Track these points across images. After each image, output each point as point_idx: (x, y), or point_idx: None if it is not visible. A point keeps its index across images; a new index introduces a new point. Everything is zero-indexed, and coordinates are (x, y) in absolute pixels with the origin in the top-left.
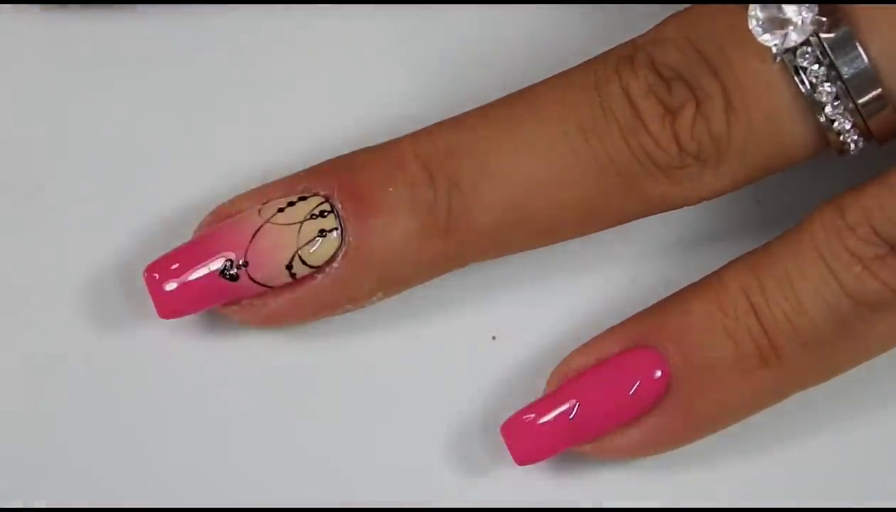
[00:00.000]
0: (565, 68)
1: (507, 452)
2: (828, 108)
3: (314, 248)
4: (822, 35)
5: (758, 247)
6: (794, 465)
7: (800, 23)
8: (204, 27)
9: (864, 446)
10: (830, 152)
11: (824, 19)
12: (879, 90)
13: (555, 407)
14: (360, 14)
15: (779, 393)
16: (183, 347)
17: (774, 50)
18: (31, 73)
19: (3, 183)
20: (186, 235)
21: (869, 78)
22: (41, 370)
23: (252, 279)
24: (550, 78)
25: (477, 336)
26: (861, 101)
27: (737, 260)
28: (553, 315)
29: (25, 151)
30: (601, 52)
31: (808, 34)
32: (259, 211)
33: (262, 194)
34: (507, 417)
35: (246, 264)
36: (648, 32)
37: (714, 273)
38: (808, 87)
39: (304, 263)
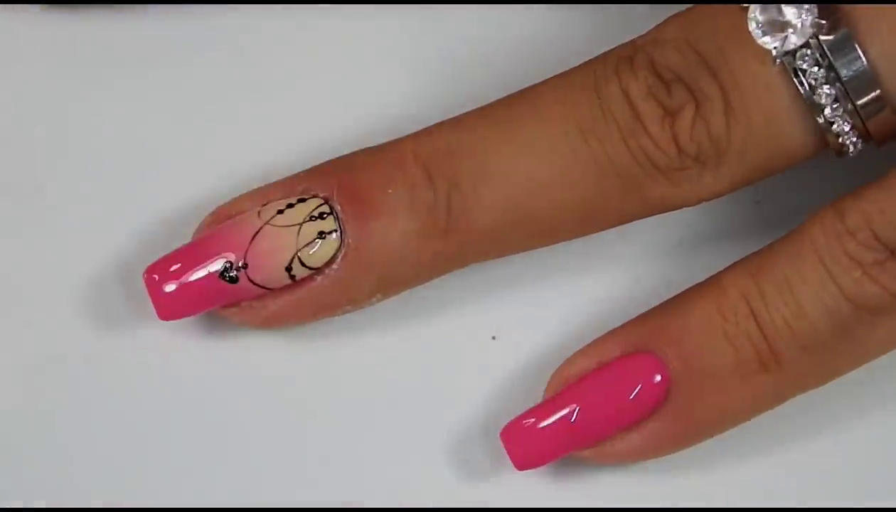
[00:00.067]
0: (566, 68)
1: (507, 458)
2: (827, 110)
3: (313, 250)
4: (822, 37)
5: (759, 250)
6: (793, 466)
7: (799, 25)
8: (204, 27)
9: (864, 447)
10: (830, 153)
11: (824, 22)
12: (878, 92)
13: (555, 412)
14: (361, 14)
15: (778, 397)
16: (182, 347)
17: (774, 53)
18: (31, 73)
19: (3, 183)
20: (186, 235)
21: (868, 79)
22: (41, 370)
23: (251, 281)
24: (551, 78)
25: (477, 336)
26: (860, 102)
27: (737, 263)
28: (554, 315)
29: (25, 151)
30: (601, 52)
31: (807, 37)
32: (258, 213)
33: (261, 196)
34: (508, 419)
35: (245, 266)
36: (649, 33)
37: (714, 277)
38: (808, 88)
39: (303, 264)
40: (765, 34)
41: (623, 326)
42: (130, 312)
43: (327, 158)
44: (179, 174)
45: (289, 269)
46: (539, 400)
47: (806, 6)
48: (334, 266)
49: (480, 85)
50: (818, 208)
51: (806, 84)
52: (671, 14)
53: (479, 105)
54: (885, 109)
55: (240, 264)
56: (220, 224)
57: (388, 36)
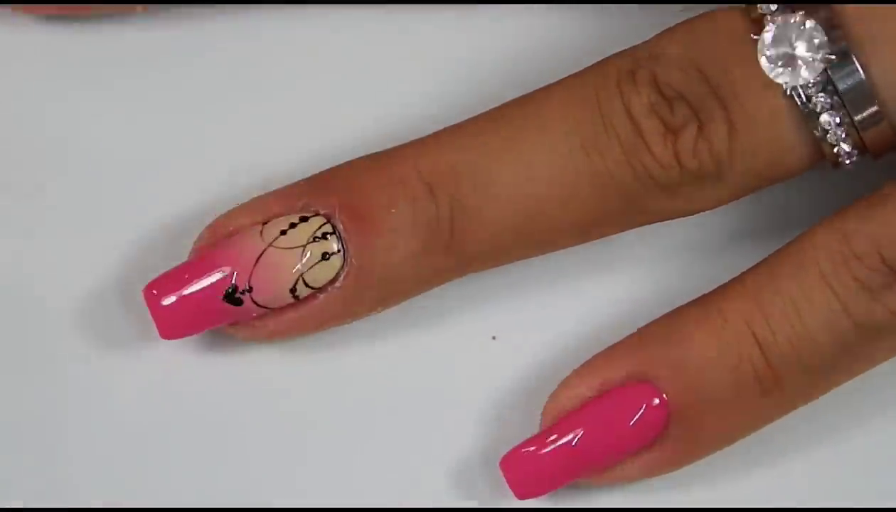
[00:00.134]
0: (569, 72)
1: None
2: (823, 116)
3: (317, 270)
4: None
5: (754, 267)
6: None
7: (810, 59)
8: (204, 29)
9: (863, 453)
10: (826, 164)
11: (833, 57)
12: (876, 107)
13: (555, 441)
14: (361, 15)
15: (778, 415)
16: (183, 351)
17: (784, 86)
18: (31, 73)
19: (3, 183)
20: (186, 236)
21: (865, 93)
22: (40, 373)
23: (255, 302)
24: (552, 87)
25: (477, 340)
26: (858, 117)
27: (736, 283)
28: (553, 320)
29: (25, 151)
30: (601, 52)
31: (818, 72)
32: (261, 233)
33: (260, 208)
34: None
35: (250, 289)
36: (650, 44)
37: (714, 299)
38: (804, 100)
39: (307, 285)
40: (774, 68)
41: (621, 349)
42: (131, 312)
43: (328, 162)
44: (179, 175)
45: (293, 290)
46: (540, 408)
47: (816, 40)
48: (337, 284)
49: (482, 87)
50: (816, 226)
51: (803, 95)
52: (671, 15)
53: (480, 108)
54: (881, 123)
55: (245, 288)
56: (218, 238)
57: (390, 38)
